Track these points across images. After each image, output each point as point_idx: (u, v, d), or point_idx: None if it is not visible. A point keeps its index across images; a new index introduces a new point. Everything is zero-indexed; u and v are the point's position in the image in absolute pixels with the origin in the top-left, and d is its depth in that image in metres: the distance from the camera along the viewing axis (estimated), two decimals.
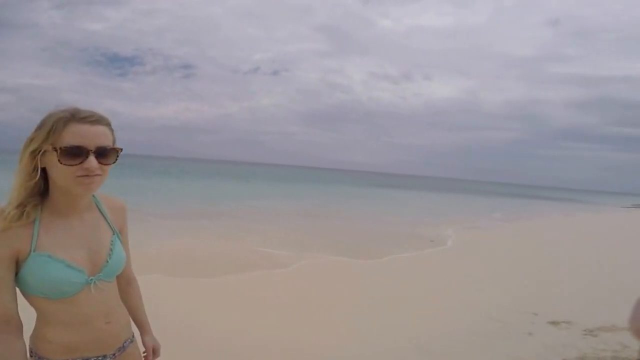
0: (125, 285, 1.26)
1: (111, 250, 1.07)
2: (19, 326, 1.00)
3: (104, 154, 0.97)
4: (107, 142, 0.98)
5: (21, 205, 0.95)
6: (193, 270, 5.57)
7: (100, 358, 1.06)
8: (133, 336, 1.20)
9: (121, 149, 1.02)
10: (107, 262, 1.05)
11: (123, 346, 1.13)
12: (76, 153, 0.93)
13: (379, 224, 12.36)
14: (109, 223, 1.11)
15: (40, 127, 0.95)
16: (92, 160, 0.94)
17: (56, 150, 0.92)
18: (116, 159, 1.01)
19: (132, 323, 1.25)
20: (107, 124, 1.00)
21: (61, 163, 0.92)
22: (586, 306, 4.72)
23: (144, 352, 1.28)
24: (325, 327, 3.77)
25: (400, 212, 17.96)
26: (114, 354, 1.10)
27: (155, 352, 1.31)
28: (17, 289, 0.98)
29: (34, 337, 1.05)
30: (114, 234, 1.11)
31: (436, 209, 20.84)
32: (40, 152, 0.94)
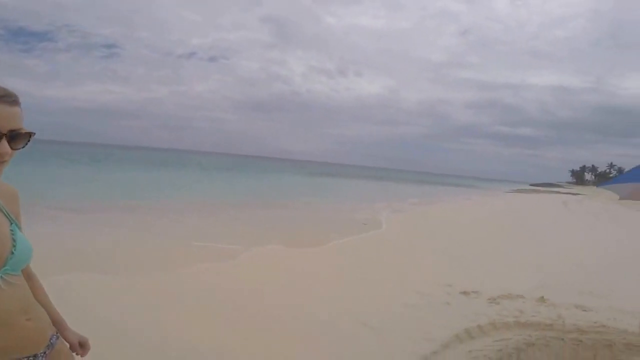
0: (27, 280, 1.09)
1: (14, 240, 0.94)
2: None
3: (16, 138, 0.87)
4: (20, 125, 0.88)
5: None
6: (130, 267, 4.93)
7: (31, 358, 0.95)
8: (57, 331, 1.10)
9: (34, 133, 0.91)
10: (13, 253, 0.92)
11: (51, 343, 1.03)
12: None
13: (318, 211, 12.56)
14: (4, 212, 0.97)
15: None
16: (4, 145, 0.84)
17: None
18: (26, 144, 0.91)
19: None
20: (20, 104, 0.89)
21: None
22: (487, 277, 5.39)
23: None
24: (277, 314, 3.77)
25: (336, 199, 18.67)
26: (44, 352, 0.99)
27: (83, 346, 1.18)
28: None
29: None
30: (11, 224, 0.97)
31: (367, 195, 22.39)
32: None
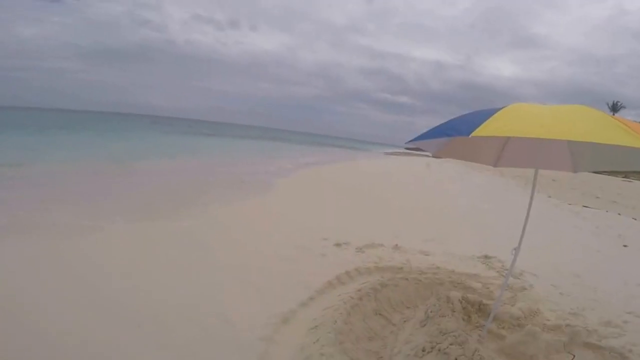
0: None
1: None
2: None
3: None
4: None
5: None
6: None
7: None
8: None
9: None
10: None
11: None
12: None
13: (198, 173, 11.66)
14: None
15: None
16: None
17: None
18: None
19: None
20: None
21: None
22: (357, 229, 6.12)
23: None
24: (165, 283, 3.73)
25: (221, 160, 17.45)
26: None
27: None
28: None
29: None
30: None
31: (253, 156, 21.85)
32: None
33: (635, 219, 10.08)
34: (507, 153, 3.42)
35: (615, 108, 64.65)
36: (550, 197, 13.22)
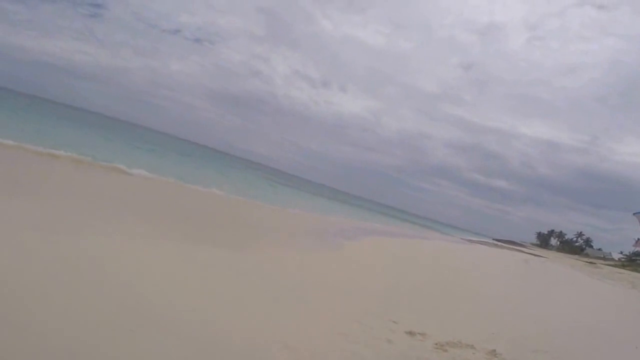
0: None
1: None
2: None
3: None
4: None
5: None
6: None
7: None
8: None
9: None
10: None
11: None
12: None
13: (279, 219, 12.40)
14: None
15: None
16: None
17: None
18: None
19: None
20: None
21: None
22: (438, 320, 5.20)
23: None
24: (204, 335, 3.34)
25: (300, 211, 18.71)
26: None
27: None
28: None
29: None
30: None
31: (333, 218, 22.39)
32: None
33: None
34: None
35: None
36: None
